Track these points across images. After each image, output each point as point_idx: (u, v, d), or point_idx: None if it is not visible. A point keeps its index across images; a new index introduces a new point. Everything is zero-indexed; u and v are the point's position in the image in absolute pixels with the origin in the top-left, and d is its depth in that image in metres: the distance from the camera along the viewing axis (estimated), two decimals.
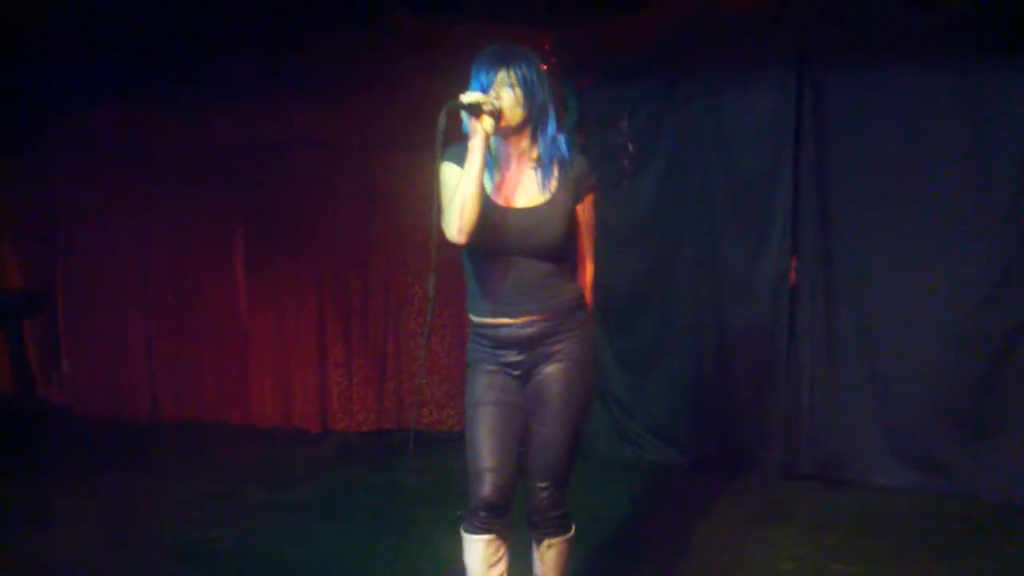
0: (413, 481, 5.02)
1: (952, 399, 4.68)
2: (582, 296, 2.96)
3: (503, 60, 2.77)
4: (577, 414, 2.93)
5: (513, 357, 2.88)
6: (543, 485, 2.92)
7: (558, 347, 2.87)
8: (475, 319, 2.94)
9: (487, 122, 2.67)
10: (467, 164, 2.68)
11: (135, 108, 6.28)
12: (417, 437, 5.76)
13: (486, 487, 2.86)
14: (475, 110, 2.65)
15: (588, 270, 3.06)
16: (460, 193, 2.68)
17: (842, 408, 4.95)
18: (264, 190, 6.30)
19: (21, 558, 4.13)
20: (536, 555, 3.05)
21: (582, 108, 5.37)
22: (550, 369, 2.89)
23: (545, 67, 2.87)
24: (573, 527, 3.05)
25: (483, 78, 2.76)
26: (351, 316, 6.22)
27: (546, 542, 2.99)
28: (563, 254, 2.88)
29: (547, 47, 5.17)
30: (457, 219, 2.68)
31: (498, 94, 2.73)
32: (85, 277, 6.79)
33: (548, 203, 2.82)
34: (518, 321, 2.83)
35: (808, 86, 4.87)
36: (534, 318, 2.83)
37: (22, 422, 6.74)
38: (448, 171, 2.79)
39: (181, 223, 6.56)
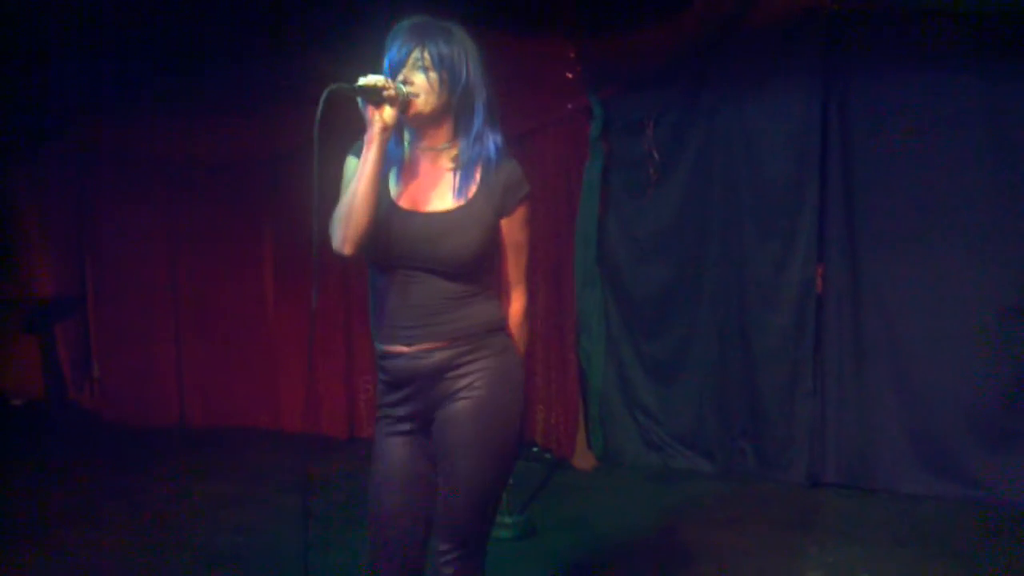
0: None
1: (979, 406, 4.66)
2: (502, 318, 2.42)
3: (418, 36, 2.27)
4: (492, 464, 2.35)
5: (409, 397, 2.37)
6: (445, 549, 2.35)
7: (466, 381, 2.32)
8: (375, 345, 2.44)
9: (388, 112, 2.19)
10: (360, 163, 2.23)
11: (162, 116, 6.34)
12: None
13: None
14: (373, 96, 2.18)
15: (516, 303, 2.48)
16: (348, 197, 2.23)
17: (869, 415, 4.94)
18: (290, 196, 6.31)
19: (49, 560, 4.20)
20: None
21: (607, 117, 5.39)
22: (456, 409, 2.32)
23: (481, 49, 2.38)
24: None
25: (394, 56, 2.28)
26: None
27: None
28: (474, 273, 2.34)
29: (573, 56, 5.19)
30: (342, 227, 2.23)
31: (408, 78, 2.25)
32: (115, 283, 6.88)
33: (461, 209, 2.31)
34: (411, 349, 2.32)
35: (834, 94, 4.88)
36: (432, 346, 2.31)
37: (54, 426, 6.82)
38: (350, 168, 2.36)
39: (209, 230, 6.63)
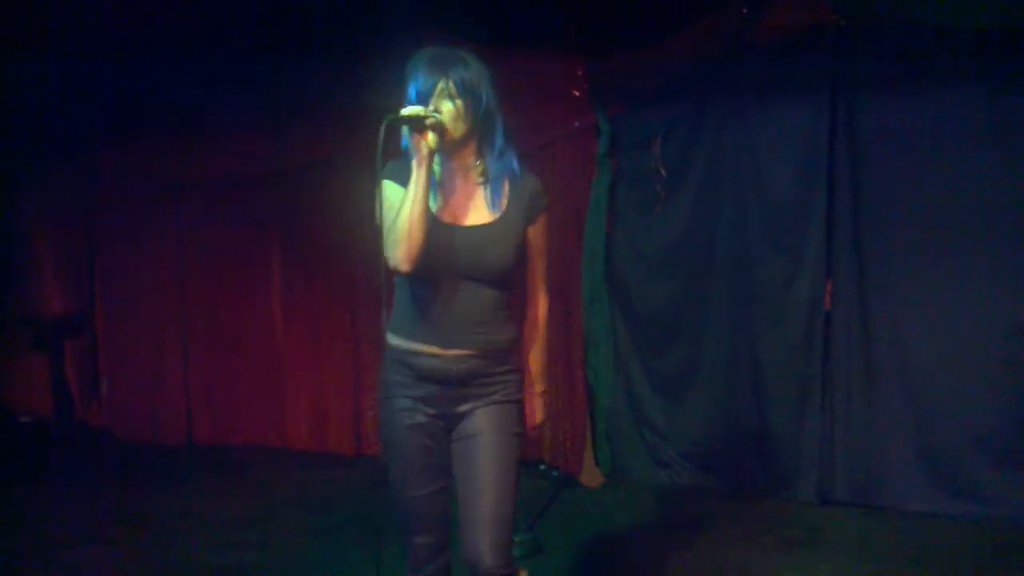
0: None
1: (989, 423, 4.63)
2: (516, 340, 2.67)
3: (441, 68, 2.47)
4: (513, 461, 2.61)
5: (434, 394, 2.59)
6: (489, 541, 2.52)
7: (488, 390, 2.60)
8: (396, 343, 2.62)
9: (431, 138, 2.40)
10: (411, 185, 2.41)
11: (171, 134, 6.37)
12: None
13: (423, 559, 2.67)
14: (417, 125, 2.38)
15: (541, 303, 2.77)
16: (404, 217, 2.41)
17: (878, 433, 4.91)
18: (299, 213, 6.36)
19: None
20: None
21: (615, 133, 5.40)
22: (481, 414, 2.60)
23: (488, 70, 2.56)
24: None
25: (420, 87, 2.47)
26: None
27: None
28: (509, 281, 2.61)
29: (580, 74, 5.20)
30: (403, 246, 2.41)
31: (437, 107, 2.45)
32: (123, 301, 6.90)
33: (499, 221, 2.57)
34: (448, 353, 2.55)
35: (841, 110, 4.88)
36: (467, 353, 2.56)
37: (62, 444, 6.83)
38: (389, 191, 2.53)
39: (217, 247, 6.65)
